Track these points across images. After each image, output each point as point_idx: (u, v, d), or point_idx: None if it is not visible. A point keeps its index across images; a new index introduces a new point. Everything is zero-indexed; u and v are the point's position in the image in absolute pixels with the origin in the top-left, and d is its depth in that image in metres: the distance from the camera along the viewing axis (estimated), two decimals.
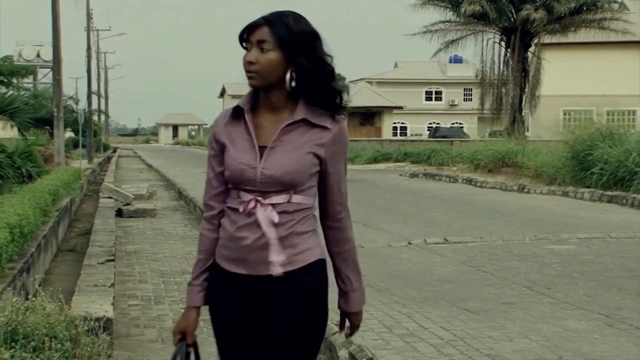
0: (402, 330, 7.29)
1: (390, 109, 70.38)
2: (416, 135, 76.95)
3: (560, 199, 21.33)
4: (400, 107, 72.01)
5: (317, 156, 3.24)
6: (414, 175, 33.29)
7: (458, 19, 42.20)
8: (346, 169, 3.40)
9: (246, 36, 3.24)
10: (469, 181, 27.98)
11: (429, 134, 70.26)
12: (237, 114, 3.31)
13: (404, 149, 45.36)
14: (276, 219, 3.19)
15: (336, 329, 6.81)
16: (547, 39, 42.28)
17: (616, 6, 46.87)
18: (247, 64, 3.22)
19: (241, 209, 3.22)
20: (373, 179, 31.42)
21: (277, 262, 3.21)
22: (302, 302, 3.23)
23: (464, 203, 20.46)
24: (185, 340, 3.34)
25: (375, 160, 44.99)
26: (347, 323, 3.51)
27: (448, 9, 42.14)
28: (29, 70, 28.80)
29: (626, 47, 51.29)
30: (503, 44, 41.55)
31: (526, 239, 13.41)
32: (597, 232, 14.03)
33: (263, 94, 3.28)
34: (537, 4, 40.27)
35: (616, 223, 15.54)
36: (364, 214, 17.73)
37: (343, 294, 3.42)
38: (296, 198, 3.23)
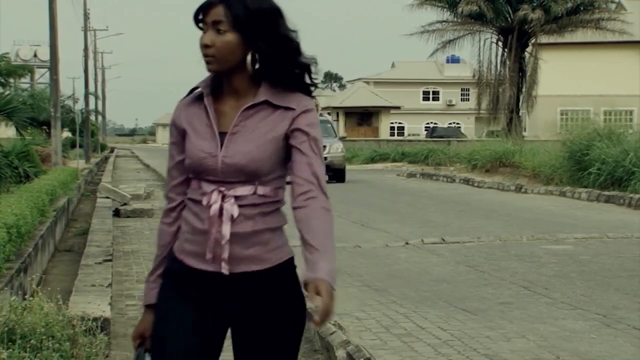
0: (399, 330, 7.29)
1: (387, 109, 70.49)
2: (413, 135, 76.97)
3: (557, 199, 21.34)
4: (398, 107, 72.14)
5: (283, 138, 2.96)
6: (411, 175, 33.30)
7: (455, 19, 42.21)
8: (319, 149, 3.02)
9: (201, 16, 2.97)
10: (467, 181, 27.99)
11: (427, 134, 70.29)
12: (197, 98, 3.05)
13: (401, 149, 45.40)
14: (235, 212, 2.92)
15: (334, 329, 6.82)
16: (544, 39, 42.31)
17: (613, 6, 46.88)
18: (203, 47, 2.95)
19: (204, 202, 2.96)
20: (370, 179, 31.44)
21: (212, 258, 2.94)
22: (277, 302, 2.98)
23: (461, 203, 20.47)
24: (144, 345, 3.13)
25: (372, 160, 45.02)
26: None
27: (445, 9, 42.15)
28: (27, 69, 28.79)
29: (623, 47, 51.31)
30: (500, 44, 41.57)
31: (523, 239, 13.42)
32: (594, 232, 14.03)
33: (225, 78, 3.01)
34: (535, 4, 40.29)
35: (613, 223, 15.54)
36: (362, 214, 17.74)
37: (309, 263, 2.86)
38: (262, 189, 2.97)
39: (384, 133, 67.51)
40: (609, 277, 10.00)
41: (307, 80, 3.03)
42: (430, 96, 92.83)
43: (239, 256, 2.95)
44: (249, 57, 2.94)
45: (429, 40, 43.10)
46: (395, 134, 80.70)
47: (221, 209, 2.93)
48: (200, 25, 2.98)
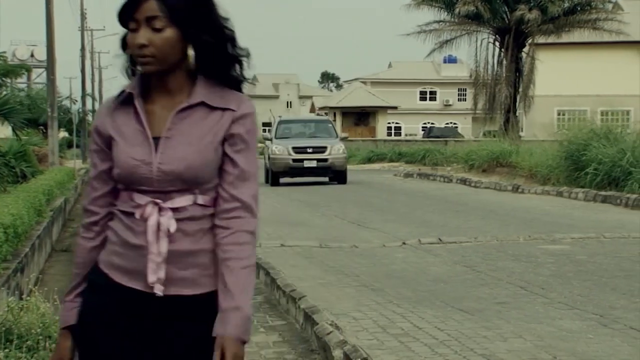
0: (396, 330, 7.28)
1: (384, 109, 70.50)
2: (410, 135, 77.03)
3: (554, 199, 21.34)
4: (395, 107, 72.17)
5: (221, 142, 2.71)
6: (408, 175, 33.30)
7: (452, 19, 42.23)
8: (254, 161, 2.77)
9: (130, 13, 2.66)
10: (463, 181, 27.99)
11: (424, 134, 70.37)
12: (124, 100, 2.75)
13: (398, 149, 45.42)
14: (172, 227, 2.65)
15: (330, 329, 6.82)
16: (541, 39, 42.33)
17: (610, 6, 46.92)
18: (139, 47, 2.65)
19: (137, 215, 2.68)
20: (367, 179, 31.43)
21: (156, 280, 2.66)
22: (204, 334, 2.66)
23: (458, 203, 20.46)
24: None
25: (369, 160, 45.03)
26: None
27: (442, 9, 42.17)
28: (25, 69, 28.77)
29: (620, 47, 51.34)
30: (497, 44, 41.58)
31: (520, 239, 13.41)
32: (591, 232, 14.02)
33: (157, 78, 2.73)
34: (531, 5, 40.32)
35: (610, 223, 15.53)
36: (359, 214, 17.74)
37: (220, 309, 2.65)
38: (202, 199, 2.70)
39: (381, 133, 67.51)
40: (605, 277, 10.00)
41: (238, 73, 2.77)
42: (427, 96, 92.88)
43: (173, 277, 2.68)
44: (191, 52, 2.69)
45: (426, 41, 43.11)
46: (392, 134, 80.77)
47: (158, 223, 2.67)
48: (127, 24, 2.69)
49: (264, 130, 31.95)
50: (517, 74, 41.11)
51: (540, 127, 37.27)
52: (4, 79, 24.69)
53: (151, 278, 2.66)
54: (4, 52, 28.41)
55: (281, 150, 28.05)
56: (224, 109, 2.71)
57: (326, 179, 28.87)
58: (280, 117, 34.54)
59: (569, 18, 40.97)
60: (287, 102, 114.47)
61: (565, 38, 42.83)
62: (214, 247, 2.71)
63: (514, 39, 40.32)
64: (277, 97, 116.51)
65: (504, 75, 40.67)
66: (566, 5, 40.75)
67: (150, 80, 2.74)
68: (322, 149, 28.11)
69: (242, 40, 2.79)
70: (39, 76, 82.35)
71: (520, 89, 41.17)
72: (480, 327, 7.39)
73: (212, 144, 2.69)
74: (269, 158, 28.51)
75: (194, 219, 2.68)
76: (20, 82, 55.50)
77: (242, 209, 2.71)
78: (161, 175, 2.66)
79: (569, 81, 52.96)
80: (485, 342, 6.85)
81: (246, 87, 2.80)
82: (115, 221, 2.76)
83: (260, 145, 52.93)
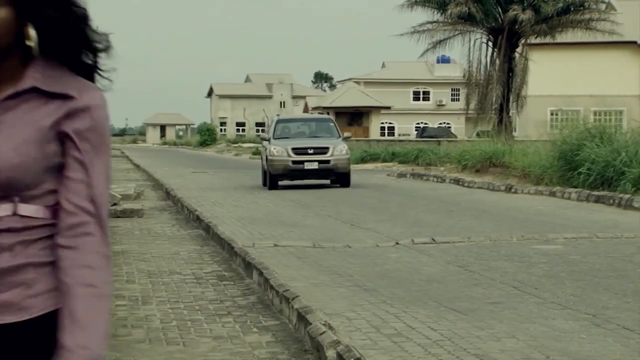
0: (389, 330, 7.29)
1: (378, 109, 70.60)
2: (404, 135, 77.05)
3: (547, 199, 21.36)
4: (388, 107, 72.27)
5: (55, 138, 2.15)
6: (401, 175, 33.31)
7: (445, 20, 42.27)
8: (108, 164, 2.22)
9: None
10: (457, 181, 28.00)
11: (417, 134, 70.37)
12: None
13: (391, 149, 45.40)
14: None
15: (324, 329, 6.82)
16: (534, 39, 42.39)
17: (603, 7, 47.00)
18: None
19: None
20: (361, 179, 31.43)
21: None
22: None
23: (451, 203, 20.47)
24: None
25: (362, 160, 45.02)
26: None
27: (435, 10, 42.22)
28: None
29: (613, 47, 51.45)
30: (490, 44, 41.65)
31: (513, 238, 13.42)
32: (584, 232, 14.04)
33: None
34: (525, 5, 40.38)
35: (603, 223, 15.55)
36: (352, 214, 17.75)
37: (63, 351, 2.09)
38: (25, 209, 2.14)
39: (375, 133, 67.58)
40: (598, 277, 10.02)
41: (92, 61, 2.23)
42: (421, 96, 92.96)
43: None
44: (32, 32, 2.14)
45: (419, 41, 43.16)
46: (386, 134, 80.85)
47: None
48: None
49: (258, 130, 31.61)
50: (510, 74, 41.16)
51: (533, 127, 37.34)
52: None
53: None
54: None
55: (280, 151, 26.26)
56: (63, 97, 2.16)
57: (328, 182, 27.54)
58: (278, 115, 34.00)
59: (562, 18, 41.04)
60: (281, 102, 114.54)
61: (558, 38, 42.90)
62: (49, 259, 2.17)
63: (507, 39, 40.38)
64: (270, 97, 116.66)
65: (497, 75, 40.72)
66: (559, 5, 40.81)
67: None
68: (323, 150, 26.46)
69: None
70: None
71: (513, 89, 41.23)
72: (474, 327, 7.40)
73: (37, 140, 2.13)
74: (266, 159, 26.73)
75: (13, 230, 2.14)
76: None
77: (92, 223, 2.16)
78: None
79: (562, 81, 53.05)
80: (479, 342, 6.86)
81: (99, 81, 2.26)
82: None
83: (256, 145, 52.69)
